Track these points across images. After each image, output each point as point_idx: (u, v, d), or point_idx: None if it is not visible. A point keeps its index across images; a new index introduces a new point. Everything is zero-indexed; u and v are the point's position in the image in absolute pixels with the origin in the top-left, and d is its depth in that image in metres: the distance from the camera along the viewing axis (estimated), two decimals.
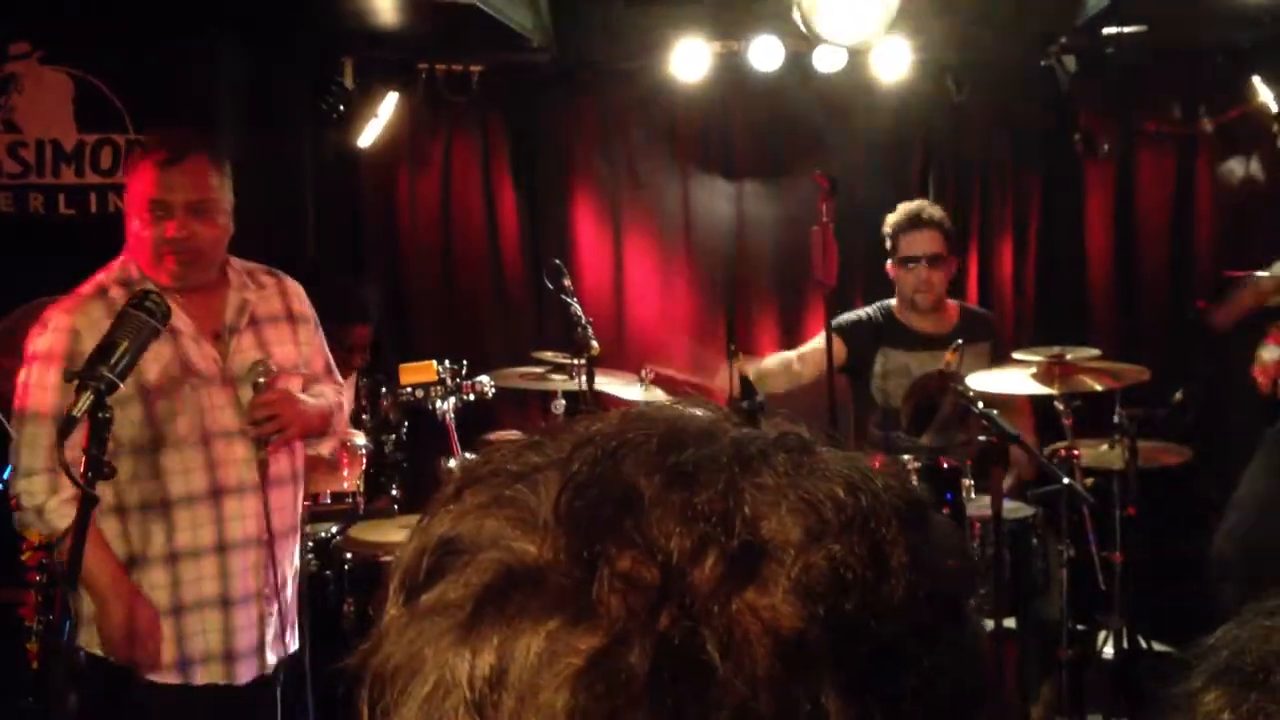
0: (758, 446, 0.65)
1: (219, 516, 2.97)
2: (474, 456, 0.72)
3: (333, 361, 3.35)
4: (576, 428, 0.69)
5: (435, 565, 0.64)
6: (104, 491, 2.84)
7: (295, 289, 3.23)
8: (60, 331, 2.85)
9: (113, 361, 2.33)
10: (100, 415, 2.29)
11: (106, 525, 2.87)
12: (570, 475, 0.63)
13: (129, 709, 2.97)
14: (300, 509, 3.24)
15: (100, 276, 2.98)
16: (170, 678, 2.96)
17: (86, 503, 2.28)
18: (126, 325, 2.40)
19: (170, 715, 2.99)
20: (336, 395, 3.30)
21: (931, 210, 4.87)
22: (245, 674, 3.04)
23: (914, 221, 4.81)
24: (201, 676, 2.98)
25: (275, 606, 3.10)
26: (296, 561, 3.24)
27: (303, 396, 3.13)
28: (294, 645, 3.22)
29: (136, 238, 2.93)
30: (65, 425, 2.27)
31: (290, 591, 3.19)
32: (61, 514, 2.79)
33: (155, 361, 2.80)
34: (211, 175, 2.95)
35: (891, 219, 4.89)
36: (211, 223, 2.94)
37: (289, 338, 3.17)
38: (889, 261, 4.89)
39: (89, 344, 2.73)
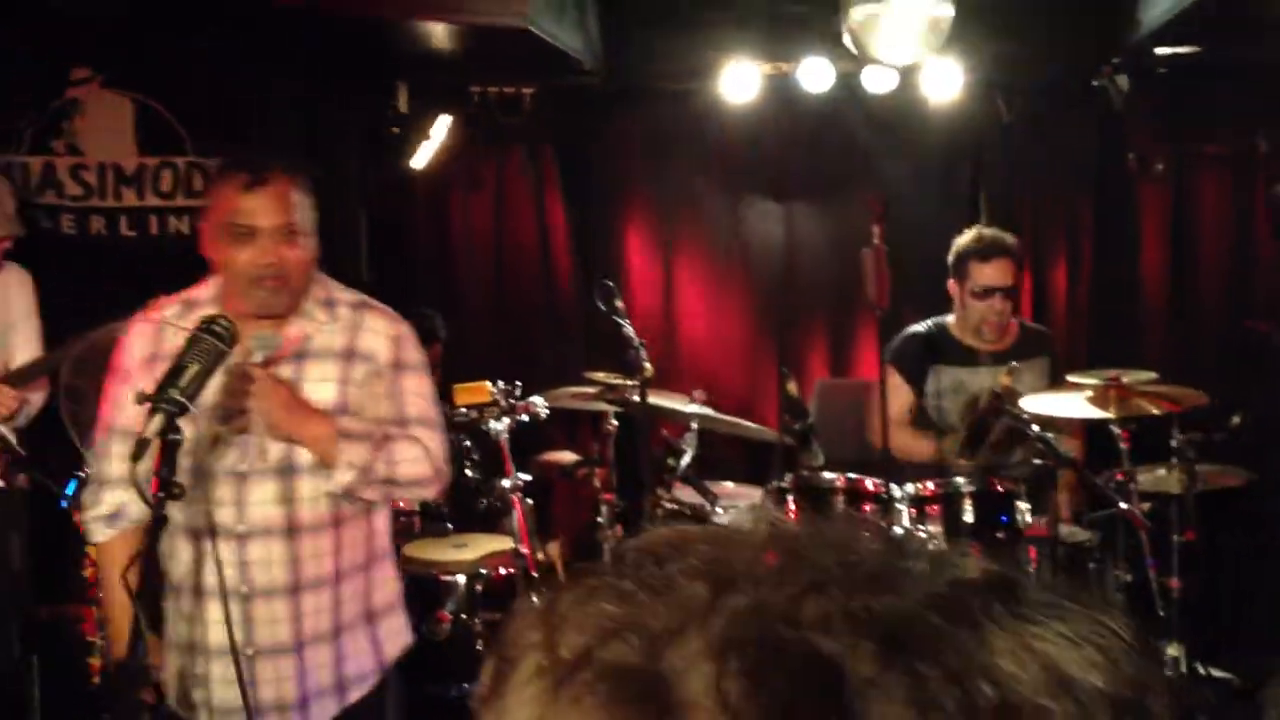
0: (972, 597, 0.50)
1: (241, 558, 2.73)
2: (558, 597, 0.53)
3: (424, 411, 2.93)
4: (698, 550, 0.53)
5: None
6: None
7: (377, 325, 2.90)
8: (122, 349, 2.85)
9: (183, 384, 2.36)
10: (170, 437, 2.32)
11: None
12: (727, 643, 0.47)
13: None
14: (314, 566, 2.81)
15: (178, 295, 2.90)
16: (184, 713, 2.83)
17: (157, 524, 2.32)
18: (196, 348, 2.42)
19: None
20: (389, 439, 2.81)
21: (1005, 238, 4.76)
22: None
23: (991, 250, 4.69)
24: None
25: (274, 667, 2.78)
26: (327, 622, 2.84)
27: (309, 399, 2.78)
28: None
29: (220, 264, 2.77)
30: (138, 447, 2.30)
31: (313, 656, 2.83)
32: (93, 529, 2.79)
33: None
34: (294, 197, 2.77)
35: (963, 243, 4.77)
36: (297, 246, 2.76)
37: (336, 375, 2.82)
38: (951, 280, 4.82)
39: (126, 357, 2.77)
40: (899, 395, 4.65)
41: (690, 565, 0.51)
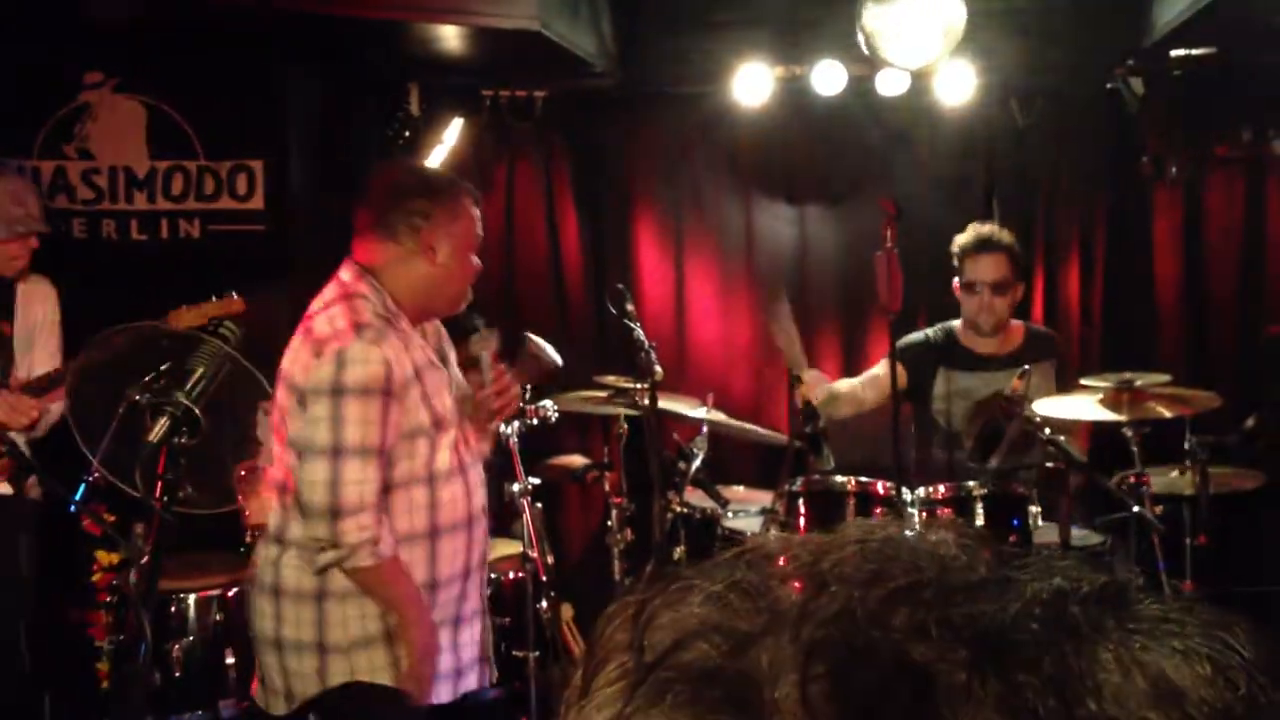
0: (1078, 607, 0.48)
1: (470, 541, 3.12)
2: (649, 599, 0.52)
3: None
4: (795, 556, 0.52)
5: None
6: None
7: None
8: (374, 364, 2.79)
9: (189, 387, 2.35)
10: (176, 441, 2.32)
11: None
12: (813, 645, 0.46)
13: None
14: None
15: (360, 304, 2.92)
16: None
17: (164, 529, 2.31)
18: (204, 352, 2.42)
19: None
20: None
21: (1000, 234, 4.82)
22: (465, 686, 3.17)
23: (981, 245, 4.77)
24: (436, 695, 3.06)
25: (489, 619, 3.29)
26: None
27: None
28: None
29: (447, 273, 3.14)
30: (148, 452, 2.29)
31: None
32: (361, 554, 2.83)
33: (439, 394, 2.99)
34: None
35: (960, 240, 4.85)
36: None
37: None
38: (956, 280, 4.86)
39: (399, 373, 2.83)
40: (884, 381, 4.62)
41: (785, 571, 0.51)
